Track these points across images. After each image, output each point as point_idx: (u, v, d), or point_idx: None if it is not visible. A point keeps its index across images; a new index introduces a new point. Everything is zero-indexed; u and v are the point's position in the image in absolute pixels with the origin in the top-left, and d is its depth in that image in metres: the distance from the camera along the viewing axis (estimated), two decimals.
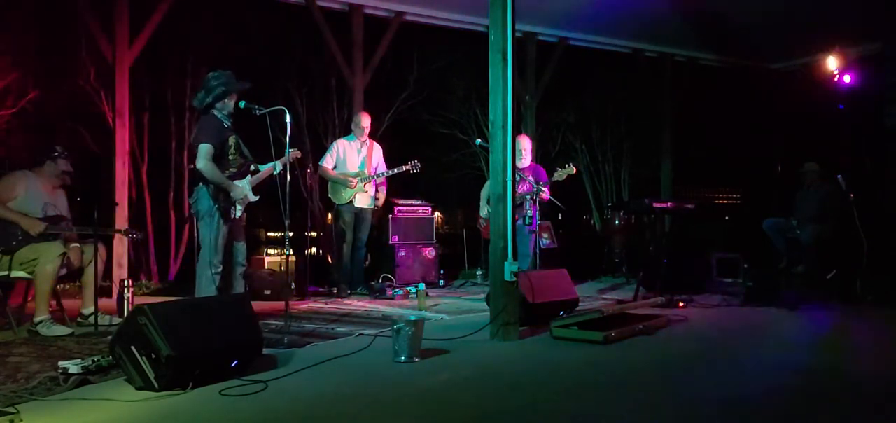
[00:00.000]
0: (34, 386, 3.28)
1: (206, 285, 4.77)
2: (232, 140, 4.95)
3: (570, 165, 6.69)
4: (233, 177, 4.91)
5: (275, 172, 4.92)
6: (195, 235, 5.54)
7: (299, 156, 5.33)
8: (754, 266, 6.81)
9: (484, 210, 7.33)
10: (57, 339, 4.53)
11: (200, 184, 4.81)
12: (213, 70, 4.96)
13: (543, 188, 6.56)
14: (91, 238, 4.98)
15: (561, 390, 3.36)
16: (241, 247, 5.05)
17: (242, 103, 4.91)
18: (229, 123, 4.92)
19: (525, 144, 6.76)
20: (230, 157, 4.93)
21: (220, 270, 4.82)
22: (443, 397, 3.23)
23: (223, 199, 4.82)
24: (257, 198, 5.08)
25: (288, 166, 4.88)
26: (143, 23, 7.29)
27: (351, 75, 8.37)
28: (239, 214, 4.98)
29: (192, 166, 4.94)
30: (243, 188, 4.94)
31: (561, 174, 6.62)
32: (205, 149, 4.75)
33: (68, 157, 5.11)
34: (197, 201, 4.84)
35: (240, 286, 5.00)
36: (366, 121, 7.09)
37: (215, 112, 4.88)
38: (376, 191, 7.12)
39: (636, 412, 2.98)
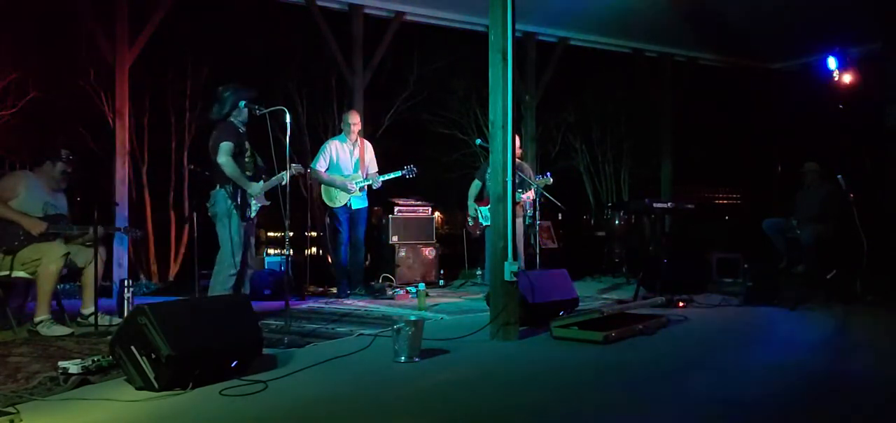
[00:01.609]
0: (34, 386, 3.28)
1: (222, 285, 4.91)
2: (248, 145, 5.19)
3: (548, 175, 6.75)
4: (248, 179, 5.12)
5: (282, 183, 5.07)
6: (194, 235, 5.59)
7: (303, 173, 5.49)
8: (754, 266, 6.81)
9: (472, 209, 7.34)
10: (57, 339, 4.53)
11: (217, 186, 5.01)
12: (220, 81, 5.28)
13: (529, 190, 6.62)
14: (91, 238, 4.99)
15: (561, 390, 3.36)
16: (251, 248, 5.17)
17: (242, 103, 5.00)
18: (244, 130, 5.17)
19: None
20: (246, 159, 5.16)
21: (237, 270, 4.93)
22: (443, 397, 3.23)
23: (241, 197, 4.98)
24: (269, 203, 5.30)
25: (287, 167, 4.92)
26: (143, 23, 7.30)
27: (351, 75, 8.37)
28: (254, 214, 5.16)
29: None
30: (260, 187, 5.15)
31: (540, 183, 6.67)
32: (226, 146, 4.97)
33: (72, 159, 5.12)
34: (214, 204, 5.04)
35: (247, 287, 5.08)
36: (354, 118, 7.05)
37: (231, 119, 5.12)
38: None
39: (636, 412, 2.98)
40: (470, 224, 7.54)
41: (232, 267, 4.91)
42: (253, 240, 5.28)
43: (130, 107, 7.47)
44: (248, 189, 5.06)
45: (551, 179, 6.76)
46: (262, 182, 5.18)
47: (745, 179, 11.69)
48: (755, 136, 11.39)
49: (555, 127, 12.09)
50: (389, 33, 8.53)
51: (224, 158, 4.96)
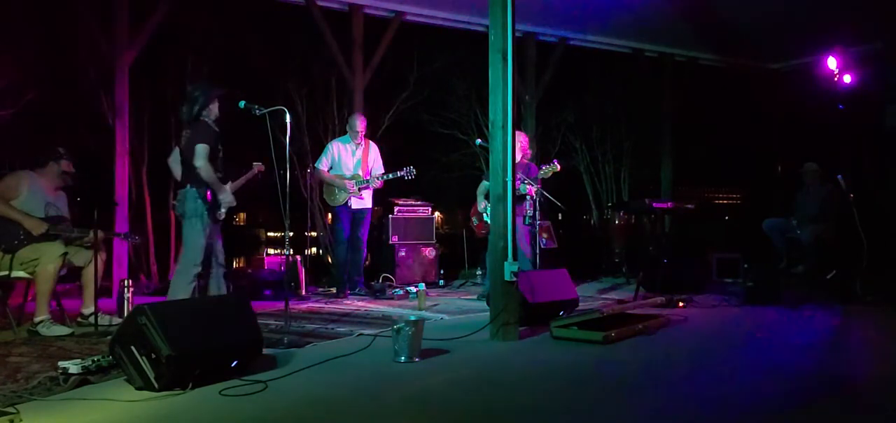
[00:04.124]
0: (34, 386, 3.28)
1: (184, 287, 4.74)
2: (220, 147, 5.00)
3: (555, 162, 6.72)
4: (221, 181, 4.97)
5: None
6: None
7: (262, 170, 5.39)
8: (754, 266, 6.81)
9: (481, 205, 7.31)
10: (57, 339, 4.53)
11: (187, 186, 4.83)
12: (193, 82, 5.15)
13: (534, 184, 6.59)
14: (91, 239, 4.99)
15: (561, 390, 3.36)
16: (219, 248, 5.03)
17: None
18: (217, 130, 4.98)
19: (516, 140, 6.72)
20: (219, 160, 4.98)
21: (199, 272, 4.83)
22: (443, 397, 3.23)
23: (213, 200, 4.85)
24: (235, 203, 5.14)
25: (286, 167, 4.87)
26: (142, 23, 7.29)
27: (351, 75, 8.37)
28: (223, 216, 5.02)
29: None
30: (229, 192, 4.98)
31: (546, 172, 6.65)
32: (203, 149, 4.79)
33: (69, 157, 5.12)
34: (183, 202, 4.85)
35: (222, 287, 4.98)
36: (360, 124, 7.06)
37: (205, 119, 4.95)
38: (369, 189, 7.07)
39: (636, 412, 2.98)
40: (475, 223, 7.51)
41: (196, 268, 4.77)
42: (220, 240, 5.15)
43: (130, 107, 7.47)
44: (220, 193, 4.89)
45: (558, 166, 6.71)
46: (229, 184, 5.03)
47: (745, 179, 11.68)
48: (755, 136, 11.39)
49: (555, 127, 12.07)
50: (389, 33, 8.53)
51: (201, 162, 4.77)
